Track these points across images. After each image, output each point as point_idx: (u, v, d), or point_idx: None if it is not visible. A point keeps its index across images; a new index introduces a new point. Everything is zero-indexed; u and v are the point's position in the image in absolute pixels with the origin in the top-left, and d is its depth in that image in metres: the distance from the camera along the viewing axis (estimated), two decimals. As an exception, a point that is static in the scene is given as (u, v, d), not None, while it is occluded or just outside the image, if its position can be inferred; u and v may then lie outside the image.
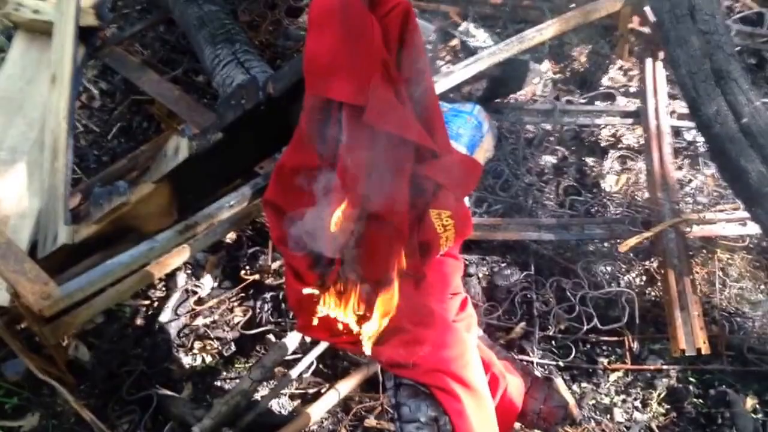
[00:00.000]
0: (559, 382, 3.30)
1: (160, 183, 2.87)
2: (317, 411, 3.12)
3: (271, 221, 2.68)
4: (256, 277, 3.63)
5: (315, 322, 2.48)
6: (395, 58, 2.54)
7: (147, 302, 3.63)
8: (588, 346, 3.53)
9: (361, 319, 2.44)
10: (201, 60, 3.70)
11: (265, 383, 3.31)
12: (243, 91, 2.76)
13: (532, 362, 3.39)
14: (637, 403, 3.38)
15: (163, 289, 3.67)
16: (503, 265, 3.71)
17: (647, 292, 3.69)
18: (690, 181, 4.10)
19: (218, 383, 3.42)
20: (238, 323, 3.54)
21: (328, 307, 2.43)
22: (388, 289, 2.42)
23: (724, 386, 3.37)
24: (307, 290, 2.43)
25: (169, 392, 3.30)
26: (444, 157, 2.67)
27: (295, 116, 2.57)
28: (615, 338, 3.51)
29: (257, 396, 3.24)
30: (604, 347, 3.53)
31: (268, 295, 3.57)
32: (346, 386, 3.21)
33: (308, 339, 3.31)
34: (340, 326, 2.45)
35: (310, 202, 2.46)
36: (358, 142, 2.41)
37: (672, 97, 4.11)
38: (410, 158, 2.51)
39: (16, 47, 3.51)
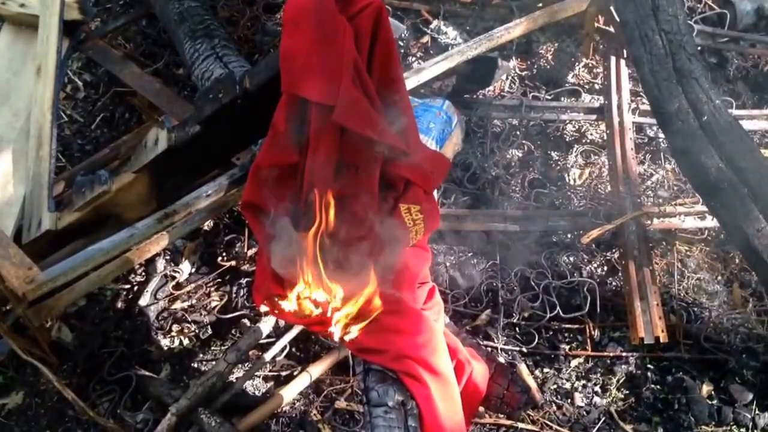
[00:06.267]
0: (522, 367, 3.39)
1: (139, 173, 2.91)
2: (290, 393, 3.20)
3: (252, 224, 2.68)
4: (233, 263, 3.69)
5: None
6: (366, 57, 2.58)
7: (127, 286, 3.69)
8: (551, 333, 3.60)
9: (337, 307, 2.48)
10: (181, 54, 3.73)
11: (239, 365, 3.37)
12: (220, 86, 2.75)
13: (496, 348, 3.46)
14: (597, 388, 3.46)
15: (143, 274, 3.73)
16: (470, 254, 3.76)
17: (608, 282, 3.75)
18: (651, 175, 4.15)
19: (195, 365, 3.48)
20: (214, 307, 3.60)
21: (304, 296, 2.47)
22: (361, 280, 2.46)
23: (681, 373, 3.46)
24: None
25: (147, 373, 3.38)
26: (414, 154, 2.70)
27: (270, 110, 2.58)
28: (577, 326, 3.59)
29: (232, 378, 3.30)
30: (566, 334, 3.60)
31: (243, 281, 3.63)
32: (317, 369, 3.29)
33: (281, 323, 3.39)
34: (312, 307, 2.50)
35: (289, 199, 2.52)
36: (326, 140, 2.48)
37: (635, 94, 4.14)
38: (380, 157, 2.57)
39: (3, 40, 3.53)
